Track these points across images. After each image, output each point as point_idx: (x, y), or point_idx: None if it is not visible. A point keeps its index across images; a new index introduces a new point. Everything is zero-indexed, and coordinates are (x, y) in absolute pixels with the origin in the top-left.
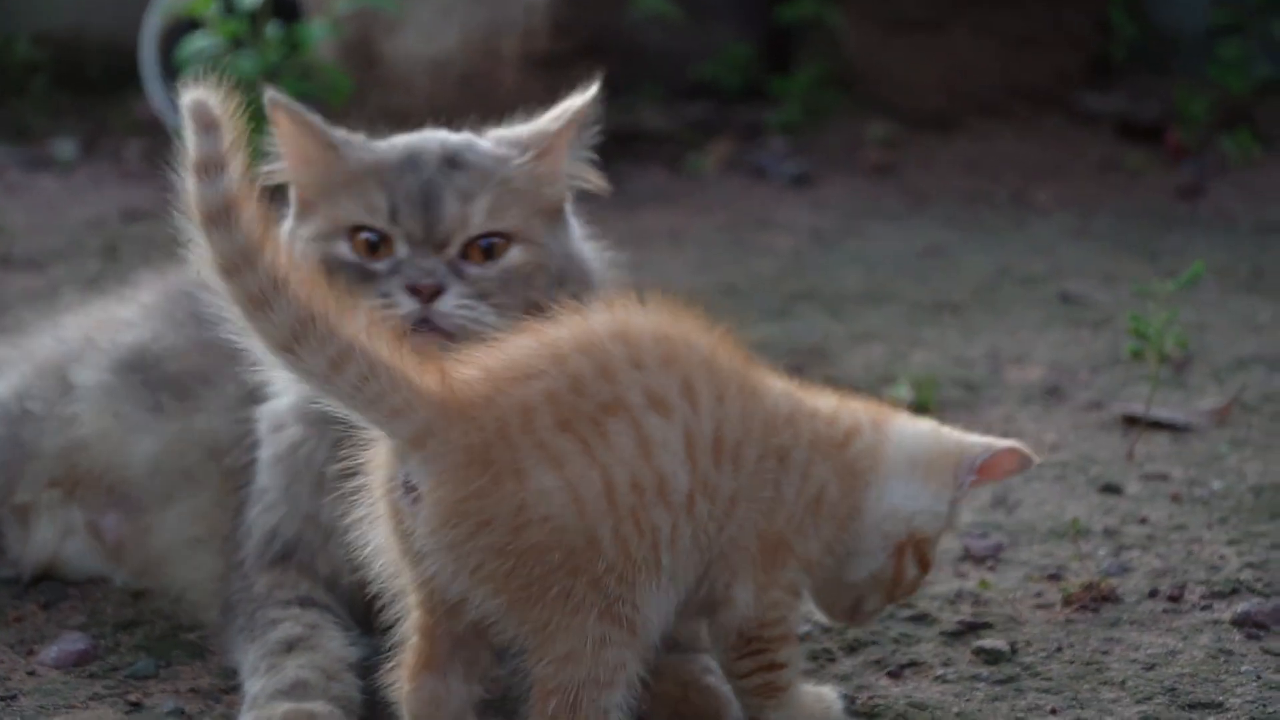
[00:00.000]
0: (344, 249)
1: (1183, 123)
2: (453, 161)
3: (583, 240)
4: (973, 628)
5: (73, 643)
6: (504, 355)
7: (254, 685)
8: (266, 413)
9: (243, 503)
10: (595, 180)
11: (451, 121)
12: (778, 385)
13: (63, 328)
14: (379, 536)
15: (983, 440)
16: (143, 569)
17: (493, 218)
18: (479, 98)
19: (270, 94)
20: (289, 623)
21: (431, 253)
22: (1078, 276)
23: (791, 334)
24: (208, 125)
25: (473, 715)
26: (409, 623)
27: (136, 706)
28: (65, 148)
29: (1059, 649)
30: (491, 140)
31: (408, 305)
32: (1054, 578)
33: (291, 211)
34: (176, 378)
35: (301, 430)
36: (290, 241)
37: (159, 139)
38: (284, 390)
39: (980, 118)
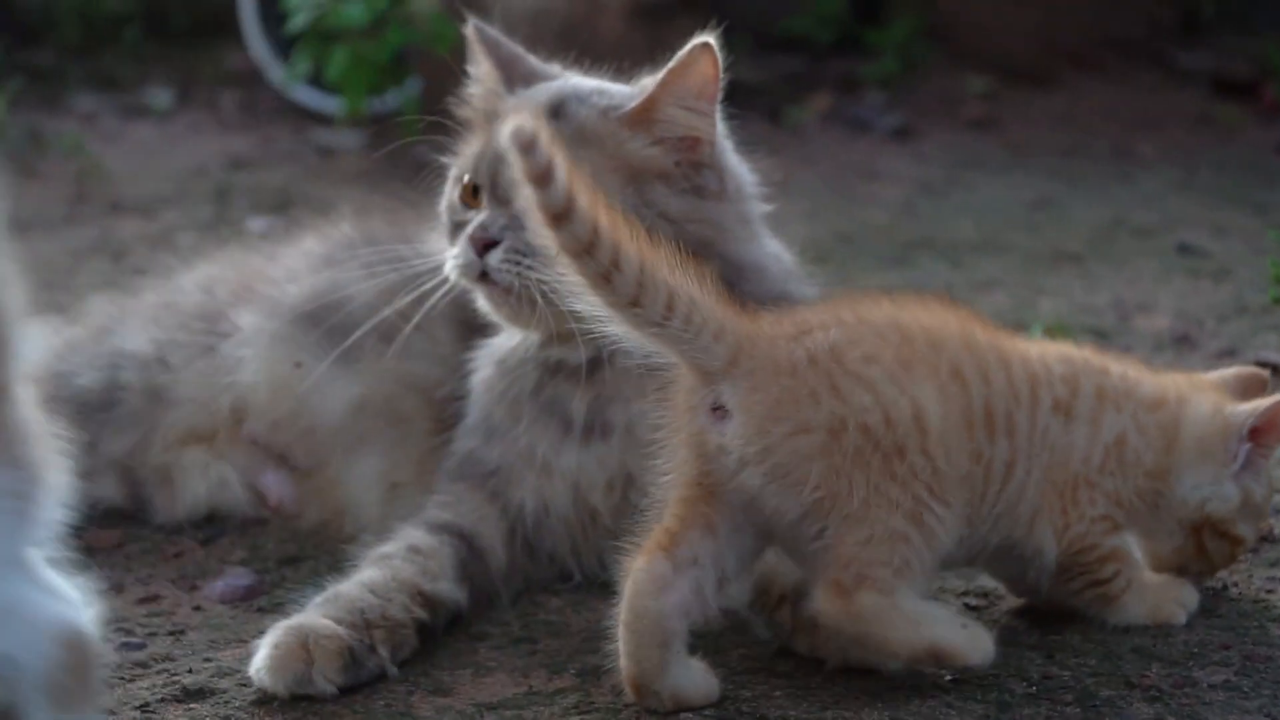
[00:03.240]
0: (455, 191)
1: (1275, 79)
2: (555, 111)
3: (741, 218)
4: None
5: (238, 578)
6: (789, 318)
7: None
8: (485, 352)
9: (453, 438)
10: (709, 134)
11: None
12: (1051, 350)
13: (205, 277)
14: (674, 460)
15: (1245, 406)
16: (319, 521)
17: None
18: (580, 48)
19: (472, 22)
20: (394, 541)
21: (499, 206)
22: (1190, 228)
23: (912, 282)
24: (529, 146)
25: (682, 622)
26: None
27: None
28: (160, 97)
29: (1225, 587)
30: (621, 91)
31: (467, 255)
32: None
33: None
34: (380, 322)
35: (515, 365)
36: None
37: (255, 89)
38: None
39: (1074, 71)
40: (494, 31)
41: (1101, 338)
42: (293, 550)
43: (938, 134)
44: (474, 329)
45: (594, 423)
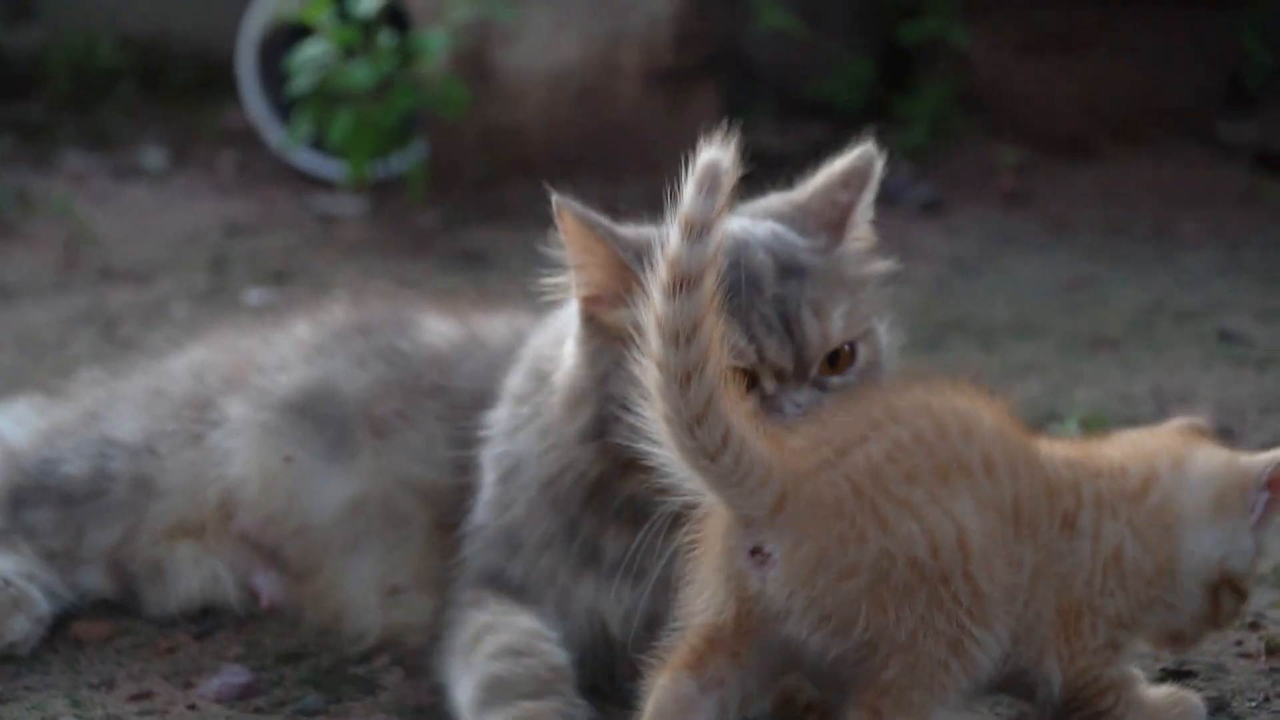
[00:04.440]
0: None
1: None
2: (788, 269)
3: None
4: (1176, 675)
5: (234, 675)
6: (823, 426)
7: (460, 695)
8: (498, 452)
9: (460, 542)
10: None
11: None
12: (1059, 450)
13: (196, 362)
14: (710, 600)
15: (1262, 456)
16: (317, 624)
17: (849, 327)
18: (597, 112)
19: (557, 199)
20: (479, 615)
21: (800, 383)
22: (1234, 312)
23: (945, 366)
24: (712, 188)
25: None
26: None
27: None
28: (154, 157)
29: (1266, 699)
30: (771, 216)
31: None
32: (1254, 625)
33: (580, 329)
34: (374, 417)
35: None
36: (577, 362)
37: (253, 151)
38: (509, 434)
39: (1115, 143)
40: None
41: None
42: (292, 646)
43: (970, 207)
44: (467, 428)
45: (623, 563)
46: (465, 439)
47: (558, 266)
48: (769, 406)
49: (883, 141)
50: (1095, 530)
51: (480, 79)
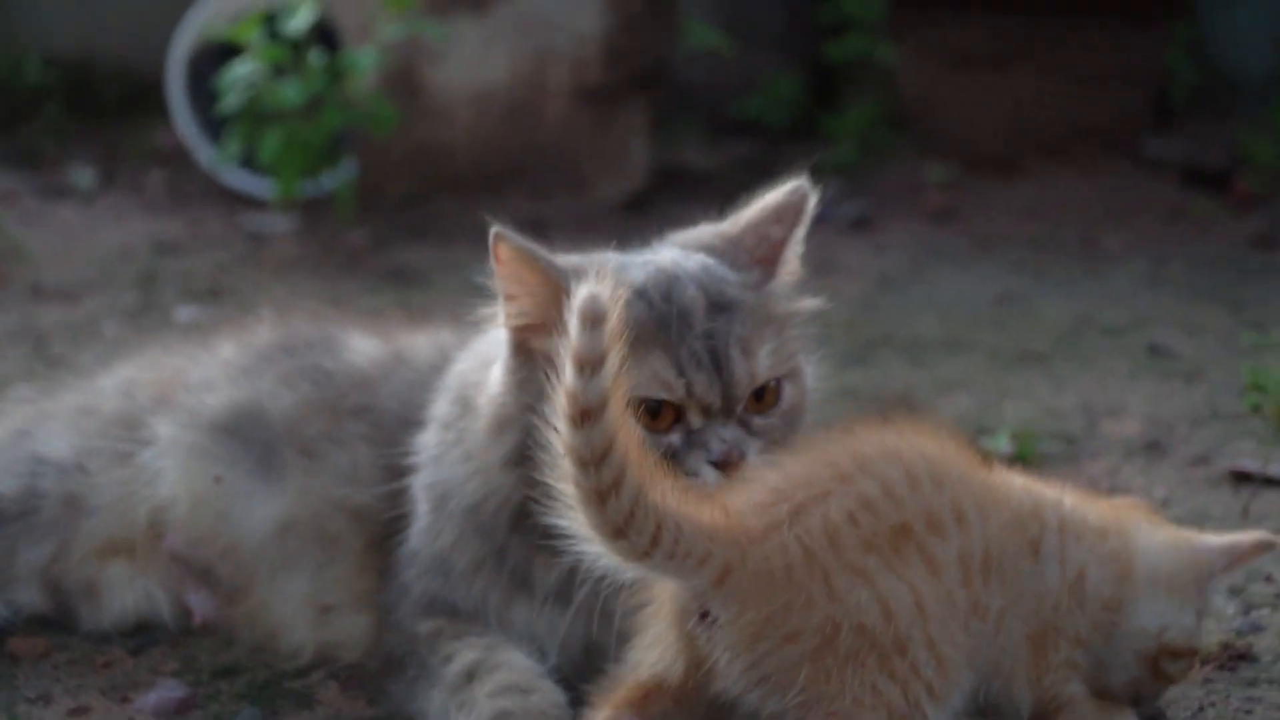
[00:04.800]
0: None
1: (1250, 169)
2: (717, 304)
3: None
4: None
5: (170, 690)
6: (786, 477)
7: None
8: (428, 482)
9: (395, 564)
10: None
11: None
12: (1016, 481)
13: (125, 380)
14: (659, 653)
15: (1220, 543)
16: (251, 642)
17: (775, 365)
18: (525, 130)
19: (495, 229)
20: (464, 650)
21: (726, 420)
22: (1160, 326)
23: (874, 381)
24: (595, 321)
25: None
26: (634, 673)
27: None
28: (83, 176)
29: (1201, 708)
30: (703, 249)
31: (714, 477)
32: None
33: (509, 357)
34: (301, 438)
35: (489, 518)
36: (504, 389)
37: (182, 169)
38: (435, 460)
39: (1041, 160)
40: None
41: (1069, 443)
42: (227, 661)
43: (898, 224)
44: (394, 448)
45: (553, 590)
46: (392, 461)
47: (492, 295)
48: (695, 442)
49: (811, 159)
50: (1061, 554)
51: (409, 97)
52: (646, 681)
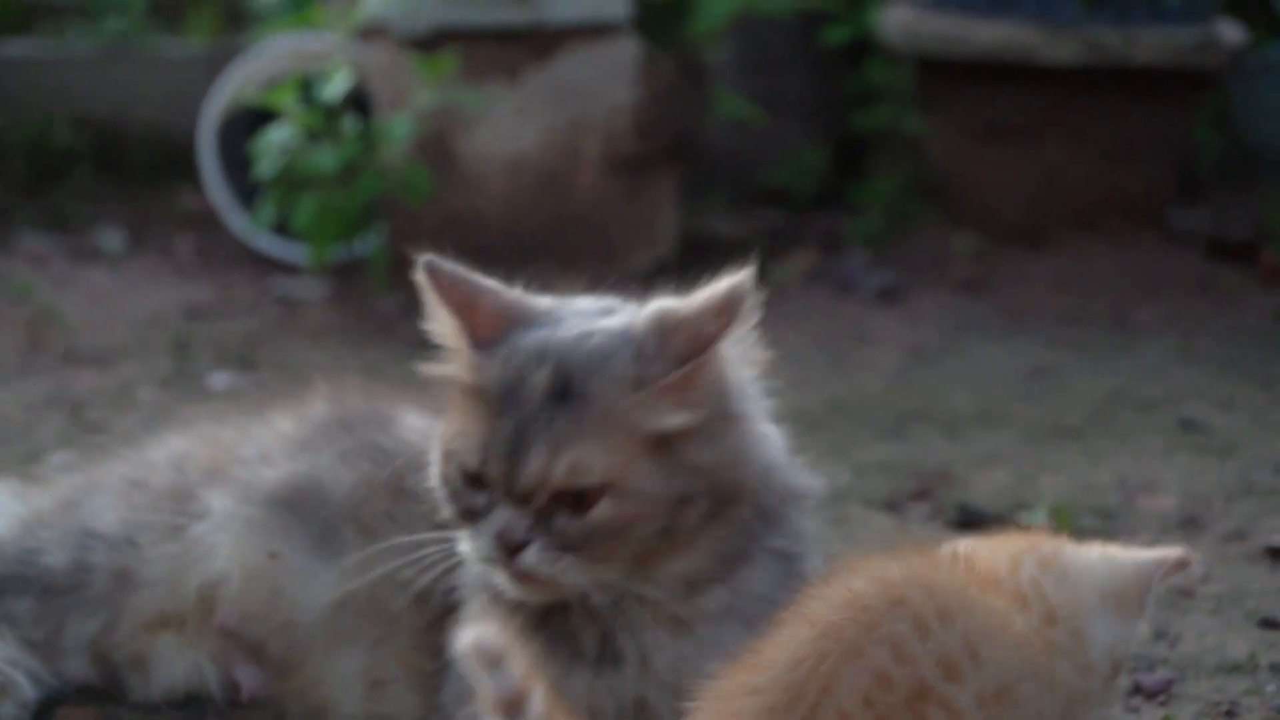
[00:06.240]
0: (454, 470)
1: (1274, 241)
2: (562, 392)
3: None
4: None
5: None
6: (790, 668)
7: None
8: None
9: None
10: (738, 376)
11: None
12: (1000, 553)
13: (176, 453)
14: None
15: (1150, 556)
16: (301, 716)
17: (575, 474)
18: (557, 199)
19: (425, 258)
20: None
21: (517, 508)
22: (1193, 401)
23: (911, 456)
24: (494, 663)
25: None
26: None
27: None
28: (113, 239)
29: None
30: (628, 327)
31: (495, 552)
32: (1230, 714)
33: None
34: (362, 516)
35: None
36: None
37: (211, 233)
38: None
39: (1070, 231)
40: (450, 266)
41: (1107, 519)
42: None
43: (928, 295)
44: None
45: (605, 653)
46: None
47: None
48: (485, 511)
49: (838, 228)
50: (1051, 679)
51: (441, 165)
52: None
